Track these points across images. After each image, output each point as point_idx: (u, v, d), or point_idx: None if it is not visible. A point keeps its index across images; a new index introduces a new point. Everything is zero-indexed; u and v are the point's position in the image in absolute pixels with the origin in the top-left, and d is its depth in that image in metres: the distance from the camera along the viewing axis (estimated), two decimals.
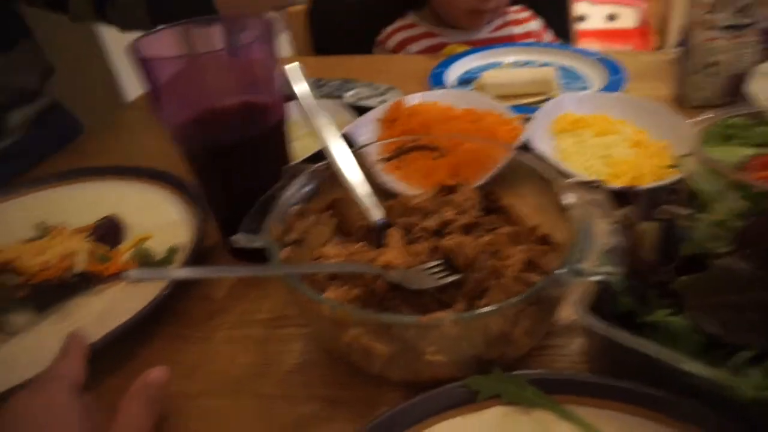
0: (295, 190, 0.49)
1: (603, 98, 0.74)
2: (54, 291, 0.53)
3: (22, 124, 0.86)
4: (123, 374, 0.47)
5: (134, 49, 0.46)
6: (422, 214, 0.50)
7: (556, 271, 0.37)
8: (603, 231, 0.40)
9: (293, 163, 0.54)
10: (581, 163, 0.61)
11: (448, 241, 0.45)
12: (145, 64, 0.45)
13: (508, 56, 0.93)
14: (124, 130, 0.93)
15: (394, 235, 0.48)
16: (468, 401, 0.38)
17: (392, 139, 0.57)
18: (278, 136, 0.52)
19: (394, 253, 0.46)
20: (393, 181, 0.57)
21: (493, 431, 0.37)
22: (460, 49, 1.00)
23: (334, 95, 0.83)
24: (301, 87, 0.50)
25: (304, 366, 0.46)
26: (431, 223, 0.48)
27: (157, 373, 0.40)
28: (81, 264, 0.54)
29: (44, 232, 0.60)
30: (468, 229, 0.48)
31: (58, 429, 0.34)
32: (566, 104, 0.71)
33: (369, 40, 1.18)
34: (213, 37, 0.51)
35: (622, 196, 0.45)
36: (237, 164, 0.50)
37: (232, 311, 0.52)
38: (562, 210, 0.45)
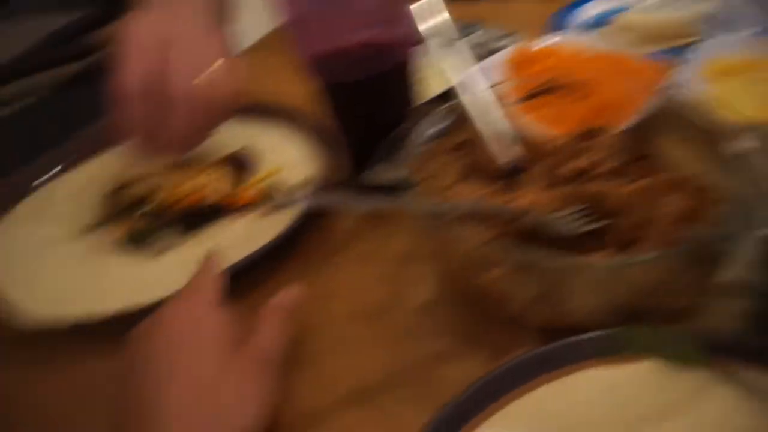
0: (427, 128, 0.48)
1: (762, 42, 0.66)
2: (196, 216, 0.56)
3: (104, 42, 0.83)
4: (259, 295, 0.49)
5: None
6: (562, 158, 0.47)
7: (722, 223, 0.35)
8: None
9: (425, 100, 0.53)
10: (742, 110, 0.55)
11: (596, 186, 0.43)
12: None
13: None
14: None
15: (533, 177, 0.46)
16: (613, 352, 0.36)
17: (528, 79, 0.54)
18: (412, 72, 0.51)
19: (532, 196, 0.44)
20: (525, 124, 0.55)
21: (641, 387, 0.35)
22: None
23: (456, 39, 0.80)
24: (438, 22, 0.48)
25: (435, 304, 0.46)
26: (572, 166, 0.46)
27: (293, 291, 0.42)
28: (220, 192, 0.57)
29: (183, 162, 0.64)
30: (612, 175, 0.46)
31: (200, 335, 0.36)
32: (720, 48, 0.64)
33: None
34: None
35: None
36: (372, 98, 0.50)
37: (360, 246, 0.53)
38: (724, 160, 0.42)
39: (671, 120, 0.49)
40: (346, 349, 0.44)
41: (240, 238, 0.54)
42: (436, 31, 0.50)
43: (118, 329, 0.47)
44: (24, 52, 0.72)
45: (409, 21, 0.48)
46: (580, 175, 0.46)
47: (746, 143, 0.39)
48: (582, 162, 0.46)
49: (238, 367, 0.35)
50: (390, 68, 0.49)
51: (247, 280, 0.50)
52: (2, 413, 0.44)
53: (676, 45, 0.71)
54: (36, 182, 0.66)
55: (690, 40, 0.72)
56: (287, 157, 0.64)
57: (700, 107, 0.51)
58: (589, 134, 0.49)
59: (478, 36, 0.80)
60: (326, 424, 0.39)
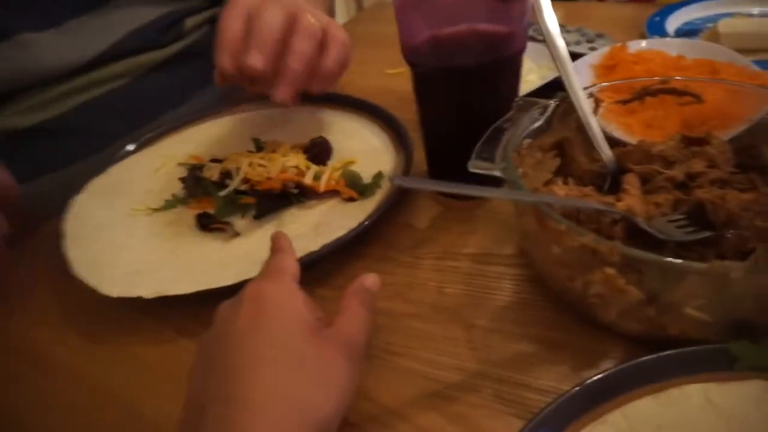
0: (527, 124, 0.46)
1: None
2: (274, 200, 0.55)
3: (194, 28, 0.85)
4: (332, 286, 0.49)
5: None
6: (665, 163, 0.45)
7: None
8: None
9: (522, 96, 0.51)
10: None
11: (705, 193, 0.40)
12: None
13: (742, 6, 0.81)
14: None
15: (633, 182, 0.43)
16: (722, 368, 0.34)
17: (626, 82, 0.52)
18: (514, 66, 0.50)
19: (634, 199, 0.42)
20: (623, 126, 0.52)
21: (749, 407, 0.33)
22: None
23: (539, 39, 0.78)
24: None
25: (519, 305, 0.44)
26: (677, 173, 0.43)
27: (372, 278, 0.40)
28: (299, 178, 0.56)
29: (260, 146, 0.64)
30: (719, 185, 0.42)
31: (290, 309, 0.35)
32: None
33: None
34: None
35: None
36: (467, 91, 0.49)
37: (437, 242, 0.52)
38: None
39: None
40: (423, 345, 0.42)
41: (315, 227, 0.54)
42: (537, 29, 0.49)
43: (189, 308, 0.48)
44: (123, 38, 0.74)
45: (521, 14, 0.46)
46: (684, 183, 0.43)
47: None
48: (687, 168, 0.43)
49: (323, 348, 0.34)
50: (502, 58, 0.48)
51: (319, 270, 0.49)
52: (74, 391, 0.45)
53: None
54: (112, 159, 0.67)
55: None
56: (363, 148, 0.63)
57: None
58: (694, 141, 0.46)
59: (566, 36, 0.77)
60: (398, 423, 0.37)
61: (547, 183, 0.47)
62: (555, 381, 0.38)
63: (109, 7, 0.73)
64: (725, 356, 0.34)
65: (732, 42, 0.68)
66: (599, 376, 0.33)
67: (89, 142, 0.72)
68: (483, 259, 0.49)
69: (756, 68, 0.61)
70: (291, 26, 0.55)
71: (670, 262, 0.32)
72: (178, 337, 0.47)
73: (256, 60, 0.53)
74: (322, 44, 0.57)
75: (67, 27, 0.70)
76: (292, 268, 0.40)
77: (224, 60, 0.55)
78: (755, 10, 0.80)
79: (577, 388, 0.33)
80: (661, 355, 0.34)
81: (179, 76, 0.80)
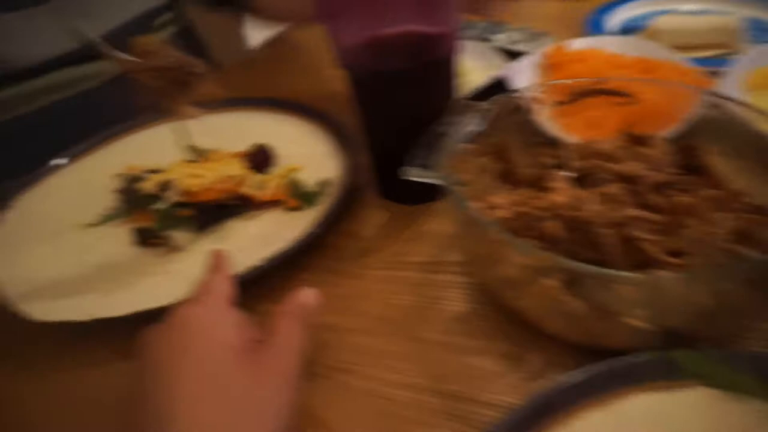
0: (464, 128, 0.45)
1: None
2: (214, 212, 0.53)
3: (161, 26, 0.85)
4: (274, 300, 0.47)
5: None
6: (610, 161, 0.45)
7: None
8: None
9: (460, 98, 0.51)
10: None
11: (645, 196, 0.40)
12: None
13: (680, 4, 0.83)
14: (263, 66, 0.94)
15: (558, 177, 0.43)
16: (665, 376, 0.34)
17: (565, 81, 0.52)
18: (449, 68, 0.49)
19: (560, 193, 0.41)
20: (563, 126, 0.52)
21: (693, 415, 0.33)
22: None
23: (483, 37, 0.77)
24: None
25: (467, 316, 0.43)
26: (623, 167, 0.43)
27: (308, 295, 0.38)
28: (240, 188, 0.54)
29: (199, 155, 0.62)
30: (660, 188, 0.43)
31: (215, 339, 0.34)
32: (764, 56, 0.61)
33: None
34: None
35: None
36: (403, 93, 0.48)
37: (384, 251, 0.51)
38: None
39: (717, 131, 0.46)
40: (372, 362, 0.41)
41: (258, 238, 0.52)
42: (472, 28, 0.48)
43: (127, 329, 0.45)
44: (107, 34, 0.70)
45: (451, 14, 0.45)
46: (626, 181, 0.43)
47: None
48: (634, 170, 0.43)
49: (254, 374, 0.33)
50: (433, 59, 0.47)
51: (263, 284, 0.48)
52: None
53: (718, 53, 0.68)
54: (42, 171, 0.63)
55: (732, 47, 0.69)
56: (307, 153, 0.62)
57: (747, 119, 0.49)
58: (635, 140, 0.46)
59: (509, 35, 0.77)
60: None
61: (490, 187, 0.47)
62: (505, 394, 0.37)
63: None
64: (668, 365, 0.34)
65: (669, 39, 0.69)
66: (545, 390, 0.33)
67: (46, 149, 0.68)
68: (431, 268, 0.48)
69: (690, 65, 0.62)
70: None
71: (605, 272, 0.32)
72: (115, 359, 0.44)
73: None
74: None
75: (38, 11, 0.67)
76: (224, 289, 0.38)
77: None
78: (692, 7, 0.82)
79: (524, 404, 0.33)
80: (604, 365, 0.34)
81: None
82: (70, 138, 0.67)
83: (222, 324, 0.34)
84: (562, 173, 0.43)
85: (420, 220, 0.53)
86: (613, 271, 0.32)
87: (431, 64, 0.46)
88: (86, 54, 0.71)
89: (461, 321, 0.43)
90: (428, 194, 0.55)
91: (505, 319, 0.42)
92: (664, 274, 0.34)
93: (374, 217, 0.54)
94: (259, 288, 0.47)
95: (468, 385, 0.38)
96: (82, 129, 0.69)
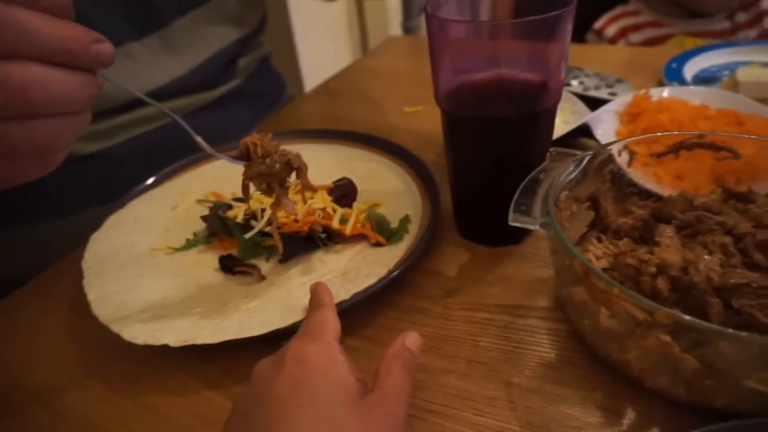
0: (563, 175, 0.46)
1: None
2: (300, 243, 0.54)
3: (246, 68, 0.88)
4: (361, 336, 0.48)
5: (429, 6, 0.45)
6: (704, 217, 0.44)
7: None
8: None
9: (555, 146, 0.51)
10: None
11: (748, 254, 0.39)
12: (436, 22, 0.45)
13: (759, 55, 0.82)
14: (334, 97, 0.96)
15: (667, 232, 0.43)
16: None
17: (671, 132, 0.52)
18: (549, 118, 0.49)
19: (670, 250, 0.41)
20: (655, 178, 0.52)
21: None
22: (689, 41, 0.90)
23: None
24: None
25: (557, 362, 0.43)
26: (727, 219, 0.43)
27: (413, 337, 0.39)
28: (325, 221, 0.55)
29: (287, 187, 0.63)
30: (764, 246, 0.42)
31: (333, 377, 0.34)
32: None
33: (584, 27, 1.11)
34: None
35: None
36: (502, 140, 0.48)
37: (468, 292, 0.51)
38: None
39: None
40: (463, 404, 0.41)
41: (341, 272, 0.52)
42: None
43: (216, 357, 0.46)
44: (185, 74, 0.75)
45: (560, 65, 0.46)
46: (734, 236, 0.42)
47: None
48: (739, 227, 0.42)
49: (366, 419, 0.32)
50: (538, 110, 0.47)
51: (347, 319, 0.48)
52: None
53: None
54: (129, 194, 0.66)
55: None
56: (387, 189, 0.63)
57: None
58: (734, 196, 0.46)
59: (587, 80, 0.78)
60: None
61: (582, 237, 0.47)
62: None
63: (171, 29, 0.74)
64: None
65: (751, 91, 0.68)
66: None
67: (128, 180, 0.70)
68: (517, 312, 0.48)
69: None
70: None
71: (735, 333, 0.31)
72: (202, 388, 0.45)
73: None
74: None
75: (130, 49, 0.70)
76: (335, 327, 0.39)
77: None
78: (765, 58, 0.81)
79: None
80: (717, 428, 0.33)
81: (227, 116, 0.81)
82: (153, 170, 0.71)
83: (338, 364, 0.35)
84: (671, 227, 0.43)
85: (502, 262, 0.53)
86: (740, 332, 0.31)
87: (534, 113, 0.47)
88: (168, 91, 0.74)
89: (551, 368, 0.43)
90: (510, 237, 0.55)
91: (600, 370, 0.41)
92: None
93: (455, 258, 0.55)
94: (343, 322, 0.47)
95: None
96: (160, 162, 0.73)
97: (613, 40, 1.07)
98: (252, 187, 0.48)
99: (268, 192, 0.48)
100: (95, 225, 0.61)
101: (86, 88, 0.34)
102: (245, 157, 0.47)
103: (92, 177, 0.71)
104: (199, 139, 0.44)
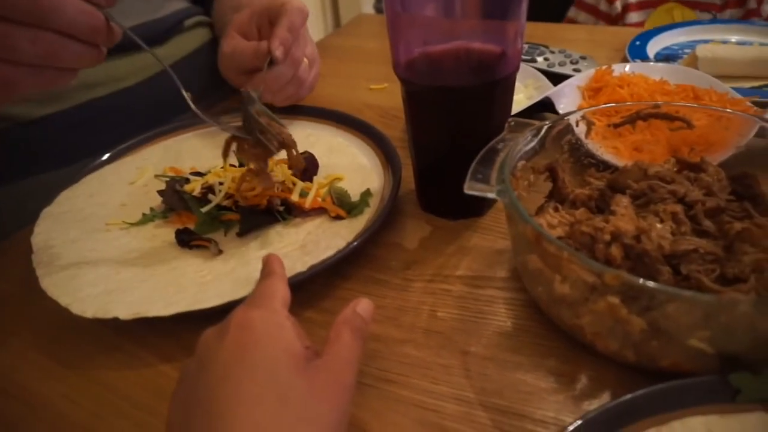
0: (521, 145, 0.46)
1: None
2: (258, 217, 0.53)
3: (192, 27, 0.85)
4: (319, 309, 0.47)
5: None
6: (658, 186, 0.45)
7: None
8: None
9: (514, 117, 0.51)
10: None
11: (701, 220, 0.40)
12: None
13: (720, 34, 0.83)
14: None
15: (621, 201, 0.43)
16: (723, 399, 0.34)
17: (626, 103, 0.52)
18: (508, 87, 0.49)
19: (624, 219, 0.41)
20: (613, 149, 0.52)
21: None
22: (678, 10, 0.91)
23: (524, 59, 0.78)
24: None
25: (513, 331, 0.43)
26: (678, 187, 0.43)
27: (364, 304, 0.38)
28: (284, 194, 0.54)
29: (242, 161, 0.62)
30: (713, 213, 0.43)
31: (278, 341, 0.33)
32: None
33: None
34: None
35: None
36: (461, 110, 0.48)
37: (427, 264, 0.50)
38: None
39: None
40: (418, 373, 0.41)
41: (300, 245, 0.52)
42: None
43: (168, 331, 0.46)
44: (135, 26, 0.71)
45: (517, 35, 0.46)
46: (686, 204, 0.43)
47: None
48: (690, 195, 0.42)
49: (313, 384, 0.32)
50: (496, 79, 0.47)
51: (305, 291, 0.48)
52: (39, 420, 0.42)
53: (761, 83, 0.68)
54: (84, 169, 0.64)
55: None
56: (349, 164, 0.62)
57: None
58: (688, 166, 0.46)
59: (552, 56, 0.78)
60: None
61: (540, 207, 0.47)
62: (555, 412, 0.37)
63: None
64: (726, 388, 0.34)
65: (709, 67, 0.69)
66: (601, 409, 0.33)
67: (81, 145, 0.69)
68: (475, 282, 0.48)
69: (736, 95, 0.62)
70: None
71: (680, 293, 0.31)
72: (157, 362, 0.44)
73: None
74: None
75: None
76: (283, 295, 0.38)
77: None
78: (733, 38, 0.82)
79: (579, 422, 0.32)
80: (662, 387, 0.33)
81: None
82: (108, 136, 0.69)
83: (283, 329, 0.34)
84: (626, 197, 0.43)
85: (463, 235, 0.53)
86: (685, 291, 0.31)
87: (492, 82, 0.47)
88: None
89: (509, 336, 0.43)
90: (470, 210, 0.55)
91: (554, 337, 0.42)
92: (739, 297, 0.33)
93: (417, 231, 0.55)
94: (301, 295, 0.47)
95: (517, 401, 0.38)
96: (118, 127, 0.71)
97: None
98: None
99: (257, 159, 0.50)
100: (45, 195, 0.59)
101: (90, 16, 0.40)
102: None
103: (43, 141, 0.68)
104: (190, 102, 0.48)
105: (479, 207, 0.55)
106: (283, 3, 0.65)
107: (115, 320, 0.44)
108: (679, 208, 0.41)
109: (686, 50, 0.81)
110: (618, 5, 1.10)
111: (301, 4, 0.67)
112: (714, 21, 0.89)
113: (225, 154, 0.52)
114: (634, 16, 1.15)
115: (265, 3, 0.68)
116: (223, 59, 0.71)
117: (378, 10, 1.94)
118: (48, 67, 0.41)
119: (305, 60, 0.69)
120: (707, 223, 0.41)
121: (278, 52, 0.62)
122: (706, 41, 0.80)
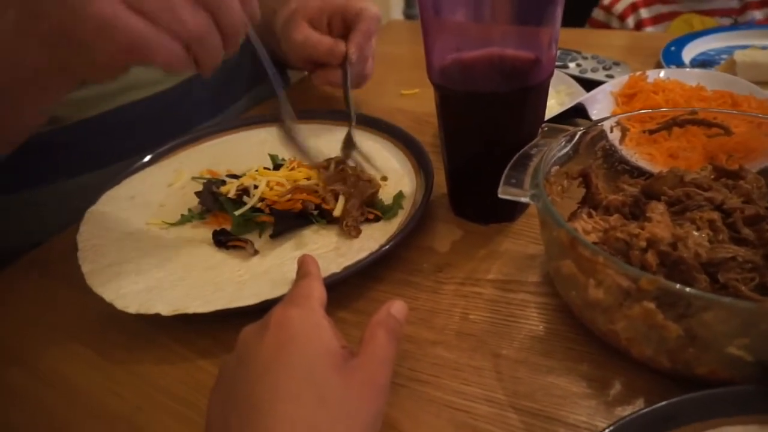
0: (555, 151, 0.46)
1: None
2: (292, 220, 0.55)
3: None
4: (352, 309, 0.48)
5: None
6: (694, 193, 0.44)
7: None
8: None
9: (547, 123, 0.51)
10: None
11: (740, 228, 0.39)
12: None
13: (757, 39, 0.82)
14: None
15: (657, 208, 0.43)
16: (763, 410, 0.33)
17: (661, 109, 0.52)
18: (542, 93, 0.49)
19: (660, 226, 0.41)
20: (644, 157, 0.52)
21: None
22: (697, 19, 0.90)
23: (557, 65, 0.78)
24: None
25: (545, 335, 0.43)
26: (715, 194, 0.43)
27: (399, 305, 0.39)
28: (318, 198, 0.55)
29: (277, 164, 0.64)
30: (752, 221, 0.42)
31: (316, 340, 0.34)
32: None
33: (590, 3, 1.10)
34: None
35: None
36: (494, 116, 0.48)
37: (459, 267, 0.51)
38: None
39: None
40: (450, 374, 0.41)
41: (333, 248, 0.53)
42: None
43: (205, 328, 0.47)
44: None
45: (552, 41, 0.46)
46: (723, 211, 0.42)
47: None
48: (728, 202, 0.42)
49: (349, 382, 0.33)
50: (530, 85, 0.47)
51: (338, 293, 0.49)
52: (81, 409, 0.44)
53: None
54: (126, 170, 0.66)
55: None
56: (382, 168, 0.63)
57: None
58: (725, 174, 0.46)
59: (585, 62, 0.77)
60: None
61: (573, 213, 0.47)
62: (587, 416, 0.37)
63: None
64: (759, 398, 0.33)
65: (748, 73, 0.68)
66: (635, 415, 0.32)
67: (119, 147, 0.71)
68: (506, 286, 0.48)
69: None
70: None
71: (719, 299, 0.31)
72: (195, 357, 0.46)
73: None
74: None
75: None
76: (320, 295, 0.39)
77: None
78: (764, 42, 0.80)
79: (612, 427, 0.32)
80: (699, 395, 0.33)
81: (214, 88, 0.80)
82: (145, 138, 0.71)
83: (320, 329, 0.35)
84: (662, 204, 0.43)
85: (494, 239, 0.54)
86: (724, 298, 0.31)
87: (526, 89, 0.47)
88: None
89: (539, 340, 0.43)
90: (502, 214, 0.55)
91: (586, 341, 0.42)
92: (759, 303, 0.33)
93: (449, 234, 0.55)
94: (335, 296, 0.48)
95: (549, 404, 0.38)
96: (153, 130, 0.72)
97: (622, 17, 1.06)
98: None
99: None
100: (86, 195, 0.61)
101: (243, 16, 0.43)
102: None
103: (83, 144, 0.70)
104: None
105: (511, 212, 0.55)
106: (361, 8, 0.69)
107: (157, 316, 0.46)
108: (716, 216, 0.40)
109: (723, 56, 0.80)
110: (630, 21, 1.09)
111: (378, 11, 0.71)
112: (751, 26, 0.87)
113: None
114: (649, 31, 1.13)
115: (338, 1, 0.71)
116: (292, 45, 0.72)
117: (407, 16, 1.95)
118: (182, 50, 0.40)
119: (370, 59, 0.74)
120: (746, 231, 0.40)
121: (354, 57, 0.68)
122: (744, 46, 0.79)
